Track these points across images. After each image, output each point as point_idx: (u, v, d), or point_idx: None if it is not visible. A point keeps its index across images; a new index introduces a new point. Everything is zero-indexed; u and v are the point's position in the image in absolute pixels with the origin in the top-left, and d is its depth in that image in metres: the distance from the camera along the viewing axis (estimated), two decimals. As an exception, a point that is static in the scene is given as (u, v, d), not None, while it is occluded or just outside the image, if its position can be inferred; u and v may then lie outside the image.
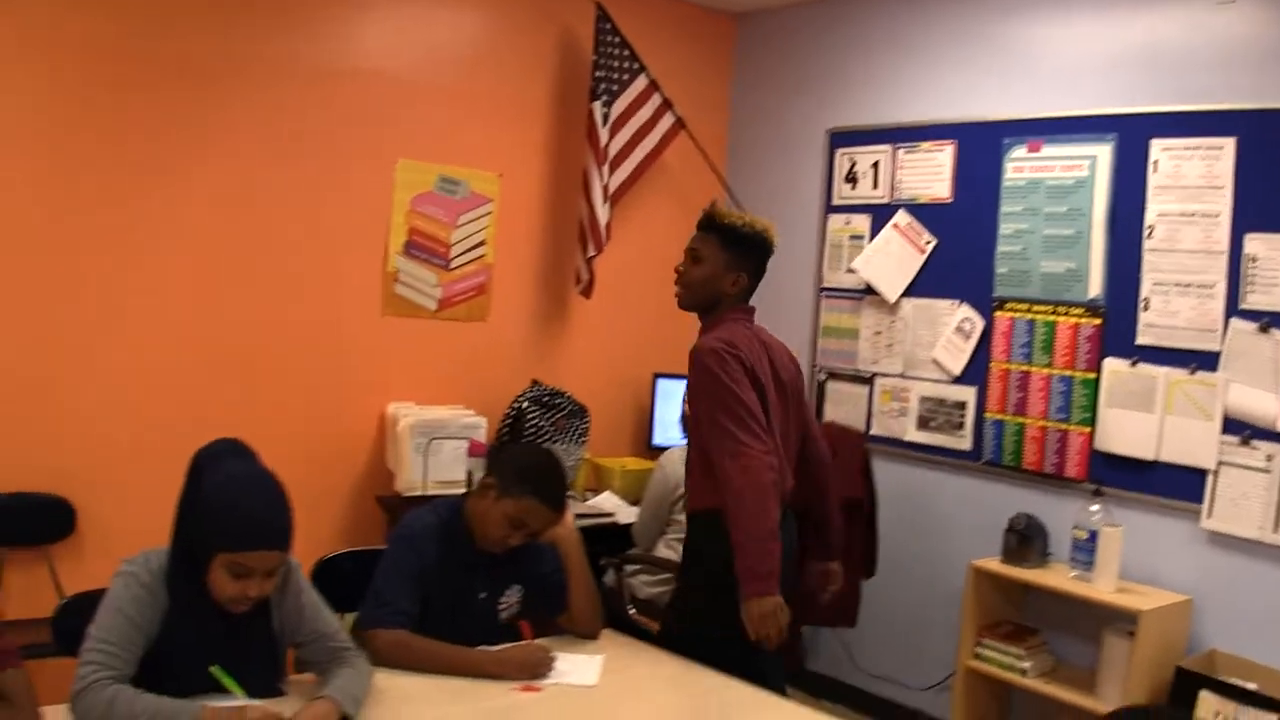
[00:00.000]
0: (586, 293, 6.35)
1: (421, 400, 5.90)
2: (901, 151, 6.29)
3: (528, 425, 5.84)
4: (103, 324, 5.11)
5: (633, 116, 6.46)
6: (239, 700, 2.90)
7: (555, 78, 6.46)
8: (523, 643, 3.61)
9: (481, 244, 6.14)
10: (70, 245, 5.00)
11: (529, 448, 3.95)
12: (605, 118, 6.27)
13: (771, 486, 3.76)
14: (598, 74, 6.28)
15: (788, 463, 4.15)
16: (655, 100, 6.52)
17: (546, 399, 5.99)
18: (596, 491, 6.26)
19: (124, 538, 4.86)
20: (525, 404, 5.89)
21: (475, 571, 3.75)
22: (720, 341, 3.96)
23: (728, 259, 4.14)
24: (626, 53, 6.37)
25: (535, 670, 3.46)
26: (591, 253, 6.24)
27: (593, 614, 3.90)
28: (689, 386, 4.05)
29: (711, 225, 4.17)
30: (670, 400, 6.58)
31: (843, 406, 6.47)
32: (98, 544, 5.08)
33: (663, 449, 6.21)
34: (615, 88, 6.34)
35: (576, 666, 3.57)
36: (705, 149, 6.79)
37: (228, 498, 2.93)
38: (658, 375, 6.70)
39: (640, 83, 6.45)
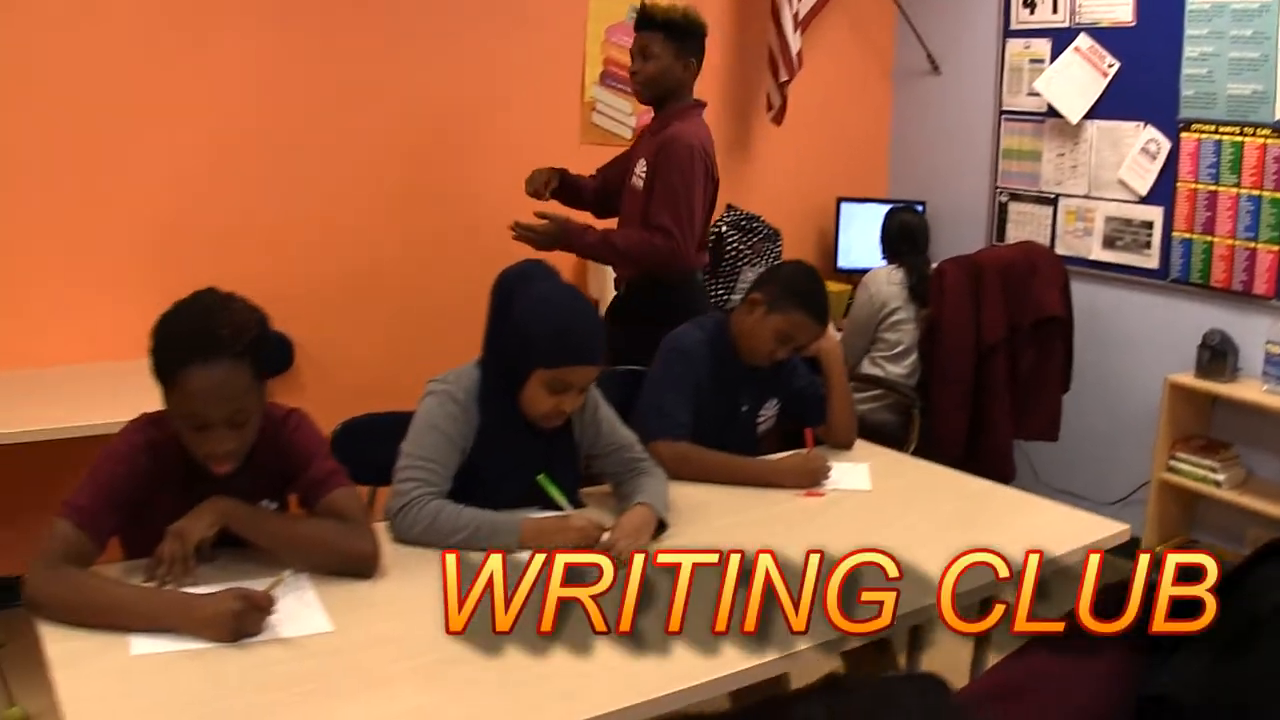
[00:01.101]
0: (778, 119, 6.41)
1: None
2: (1082, -26, 6.22)
3: (727, 248, 5.92)
4: (318, 158, 5.32)
5: (816, -57, 6.45)
6: (557, 510, 3.03)
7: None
8: (802, 451, 3.70)
9: (674, 71, 6.18)
10: (296, 94, 5.20)
11: (795, 266, 3.98)
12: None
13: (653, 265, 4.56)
14: (783, -99, 6.25)
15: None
16: (837, -74, 6.50)
17: (744, 223, 6.06)
18: None
19: (338, 371, 5.19)
20: (724, 228, 5.97)
21: (739, 385, 3.86)
22: (697, 140, 4.53)
23: (676, 49, 4.57)
24: (811, -122, 6.35)
25: (815, 478, 3.56)
26: (784, 78, 6.27)
27: (850, 425, 3.98)
28: (654, 164, 4.55)
29: (654, 22, 4.57)
30: (856, 223, 6.64)
31: (1025, 227, 6.51)
32: (315, 378, 5.31)
33: (848, 271, 6.31)
34: (797, -86, 6.33)
35: (846, 474, 3.67)
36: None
37: (547, 316, 3.02)
38: (841, 199, 6.75)
39: (823, -91, 6.44)
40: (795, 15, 6.24)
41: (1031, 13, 6.47)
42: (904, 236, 5.74)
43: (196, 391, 2.48)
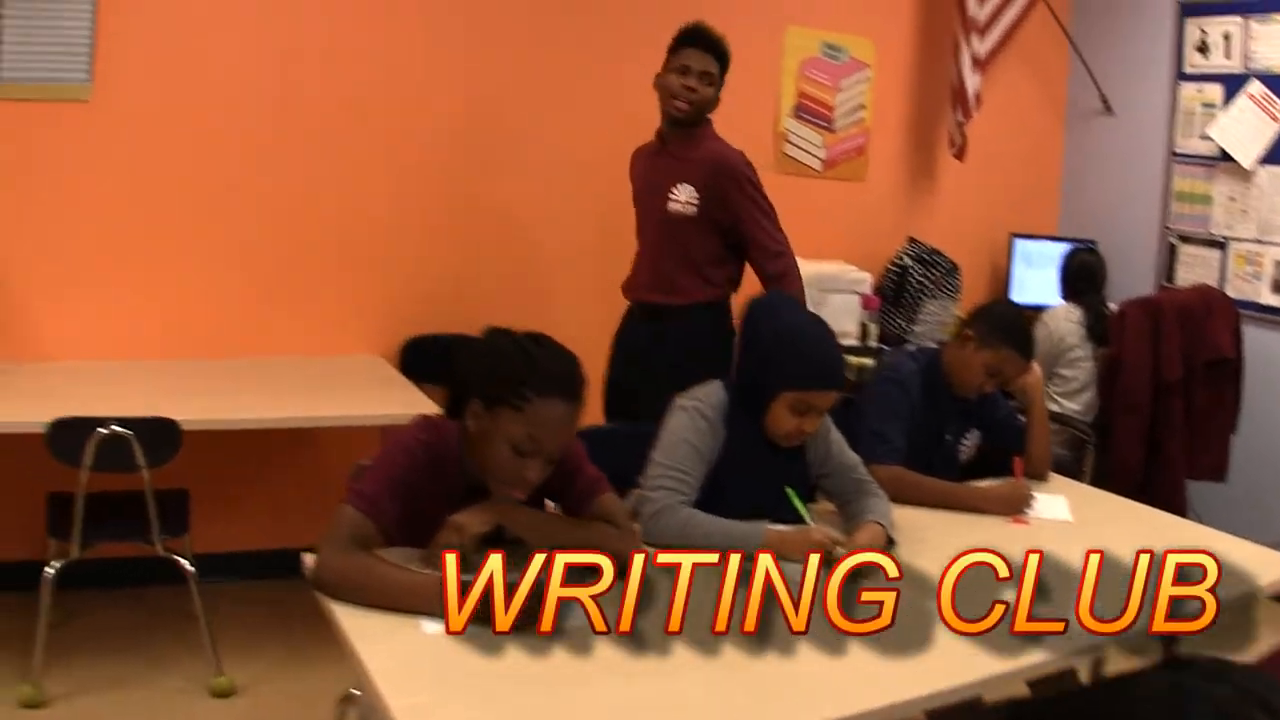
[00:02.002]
0: (960, 155, 6.60)
1: (806, 255, 6.17)
2: (1254, 22, 6.32)
3: (910, 281, 6.12)
4: (513, 173, 5.67)
5: (996, -15, 6.63)
6: (794, 523, 3.19)
7: (922, -54, 6.66)
8: (1009, 479, 3.86)
9: (861, 107, 6.43)
10: (485, 123, 5.58)
11: (1004, 303, 4.21)
12: (970, -12, 6.46)
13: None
14: (966, -57, 6.45)
15: None
16: (1019, -32, 6.67)
17: (925, 257, 6.26)
18: None
19: None
20: (908, 261, 6.17)
21: (945, 415, 4.05)
22: (742, 155, 4.70)
23: (721, 79, 4.69)
24: (992, -78, 6.53)
25: (1020, 505, 3.72)
26: (961, 118, 6.45)
27: (1047, 458, 4.15)
28: (714, 188, 4.62)
29: (718, 50, 4.65)
30: (1029, 259, 6.82)
31: (1195, 269, 6.62)
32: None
33: (1021, 307, 6.46)
34: (980, -43, 6.51)
35: (1047, 504, 3.81)
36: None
37: (795, 342, 3.23)
38: (1015, 235, 6.91)
39: (1004, -48, 6.61)
40: (974, 56, 6.41)
41: (1205, 57, 6.58)
42: (1082, 275, 5.92)
43: (548, 423, 2.67)
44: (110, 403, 4.14)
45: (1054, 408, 5.63)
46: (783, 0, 6.15)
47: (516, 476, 2.73)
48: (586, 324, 4.55)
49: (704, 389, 3.34)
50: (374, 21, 5.39)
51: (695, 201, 4.61)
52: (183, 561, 4.29)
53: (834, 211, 6.42)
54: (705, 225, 4.63)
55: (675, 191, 4.63)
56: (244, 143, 5.19)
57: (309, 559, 2.69)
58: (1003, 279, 6.97)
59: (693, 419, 3.24)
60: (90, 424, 3.96)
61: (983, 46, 6.50)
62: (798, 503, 3.21)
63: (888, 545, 3.17)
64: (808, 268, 5.73)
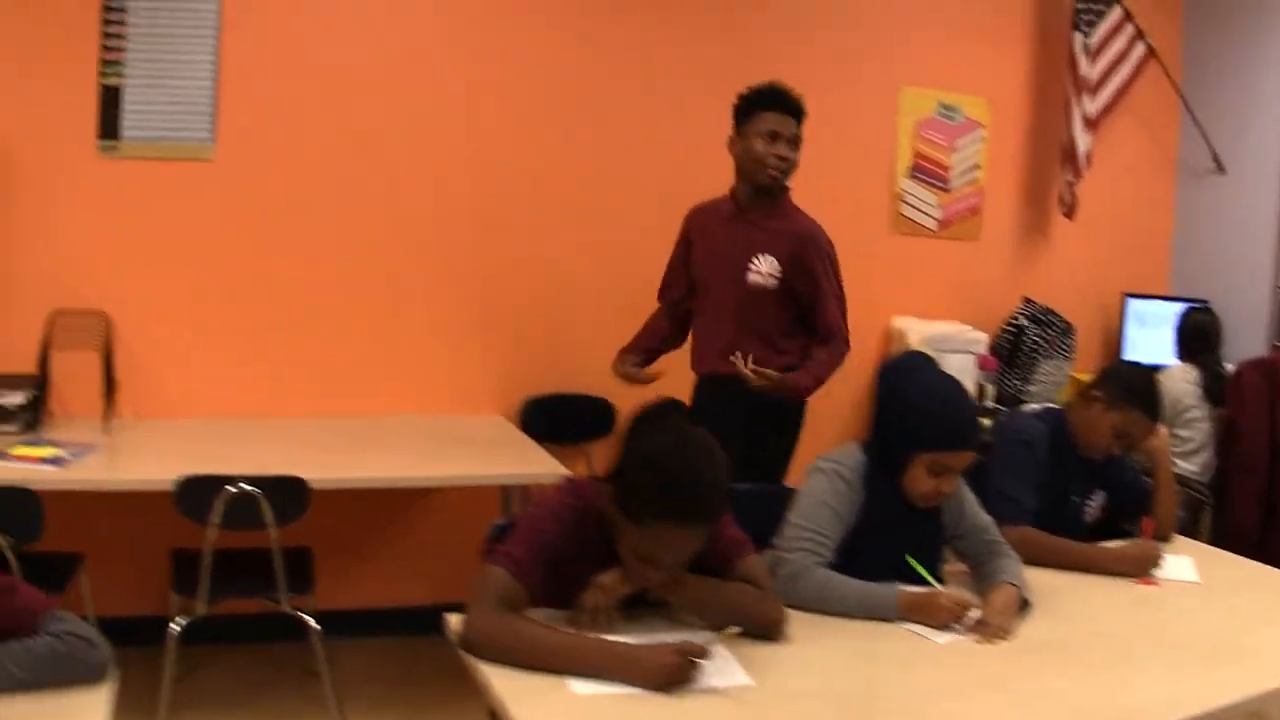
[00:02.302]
0: (1070, 214, 6.62)
1: (924, 315, 6.27)
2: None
3: (1026, 341, 6.16)
4: (598, 244, 5.76)
5: (1107, 46, 6.66)
6: (929, 587, 3.22)
7: (1032, 5, 6.70)
8: (1137, 540, 3.89)
9: (976, 166, 6.49)
10: (614, 179, 5.76)
11: (1132, 366, 4.21)
12: (1085, 48, 6.50)
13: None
14: (1079, 5, 6.50)
15: None
16: (1128, 30, 6.71)
17: (1041, 317, 6.30)
18: None
19: None
20: (1024, 321, 6.21)
21: (1071, 476, 4.07)
22: (824, 232, 4.63)
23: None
24: (1103, -16, 6.58)
25: (1149, 566, 3.72)
26: (1070, 178, 6.49)
27: (1172, 519, 4.17)
28: (799, 261, 4.56)
29: (801, 112, 4.60)
30: (1142, 319, 6.84)
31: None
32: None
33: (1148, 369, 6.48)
34: (1093, 18, 6.55)
35: (1174, 565, 3.81)
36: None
37: (933, 404, 3.26)
38: (1127, 295, 6.92)
39: (1115, 13, 6.64)
40: (1085, 115, 6.46)
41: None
42: (1198, 336, 5.95)
43: (666, 545, 2.69)
44: (234, 461, 4.20)
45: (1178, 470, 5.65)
46: (898, 61, 6.23)
47: (639, 575, 2.77)
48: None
49: (841, 450, 3.38)
50: (501, 86, 5.54)
51: (777, 274, 4.55)
52: (307, 618, 4.31)
53: (948, 271, 6.47)
54: (784, 298, 4.58)
55: (756, 262, 4.56)
56: (365, 202, 5.32)
57: (453, 619, 2.75)
58: (1115, 339, 6.97)
59: (832, 481, 3.29)
60: (219, 482, 3.99)
61: (1094, 105, 6.54)
62: (919, 569, 3.25)
63: (1022, 607, 3.21)
64: (924, 328, 5.84)
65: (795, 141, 4.54)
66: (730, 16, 5.83)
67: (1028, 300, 6.40)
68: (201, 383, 5.15)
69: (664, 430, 2.78)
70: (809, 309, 4.58)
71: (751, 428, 4.49)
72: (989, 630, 3.01)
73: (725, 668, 2.68)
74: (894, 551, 3.29)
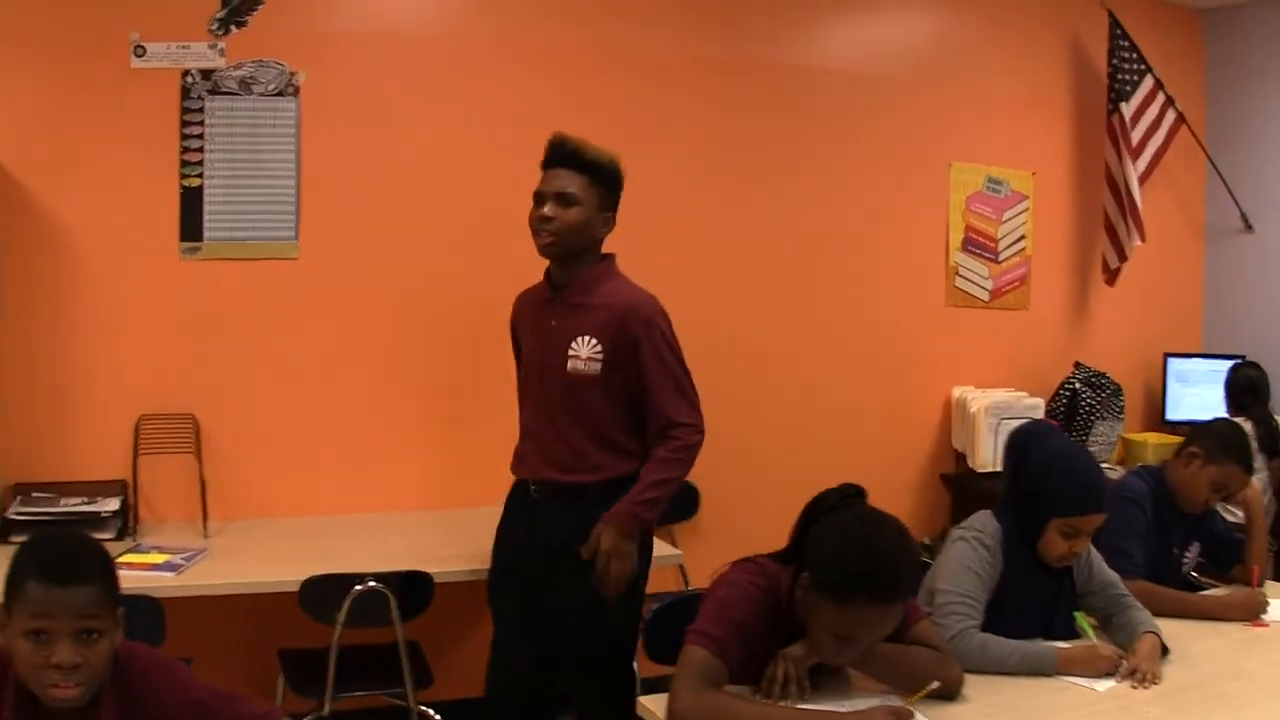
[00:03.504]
0: (1111, 280, 6.85)
1: (980, 384, 6.45)
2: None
3: (1081, 404, 6.36)
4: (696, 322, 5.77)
5: (1142, 115, 6.88)
6: (1084, 641, 3.42)
7: (1069, 80, 6.95)
8: (1241, 587, 4.10)
9: (1022, 238, 6.70)
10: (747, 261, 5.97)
11: (1225, 422, 4.41)
12: (1123, 118, 6.72)
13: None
14: (1118, 76, 6.75)
15: None
16: (1160, 99, 6.93)
17: (1093, 380, 6.50)
18: (1126, 466, 6.59)
19: (737, 517, 5.61)
20: (1077, 385, 6.41)
21: (1172, 529, 4.26)
22: (656, 302, 3.90)
23: (600, 199, 3.86)
24: (1135, 55, 6.81)
25: (1258, 610, 3.89)
26: (1136, 242, 6.68)
27: (1266, 565, 4.36)
28: (622, 341, 3.82)
29: (582, 163, 3.83)
30: (1182, 377, 7.06)
31: None
32: (715, 522, 5.78)
33: (1176, 424, 6.68)
34: (1129, 89, 6.79)
35: (1276, 607, 3.95)
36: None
37: (1065, 470, 3.46)
38: (1167, 354, 7.13)
39: (1148, 83, 6.88)
40: (1128, 183, 6.69)
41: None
42: (1247, 389, 6.17)
43: (866, 624, 2.78)
44: (339, 557, 4.27)
45: (1230, 518, 5.79)
46: (947, 137, 6.45)
47: (832, 653, 2.85)
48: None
49: (977, 519, 3.57)
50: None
51: (598, 356, 3.84)
52: (430, 711, 4.38)
53: (1001, 340, 6.67)
54: (612, 386, 3.87)
55: (577, 347, 3.85)
56: (453, 296, 5.37)
57: (648, 701, 2.92)
58: (1158, 398, 7.18)
59: (974, 548, 3.46)
60: (347, 580, 4.00)
61: (1137, 168, 6.74)
62: (1085, 624, 3.49)
63: (1164, 654, 3.38)
64: (984, 396, 6.02)
65: (560, 196, 3.80)
66: (786, 98, 6.05)
67: (1078, 364, 6.60)
68: (289, 481, 5.15)
69: (853, 512, 2.91)
70: (641, 396, 3.86)
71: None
72: (1141, 676, 3.17)
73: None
74: (1031, 611, 3.49)
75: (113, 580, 2.44)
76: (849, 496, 2.97)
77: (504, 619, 4.11)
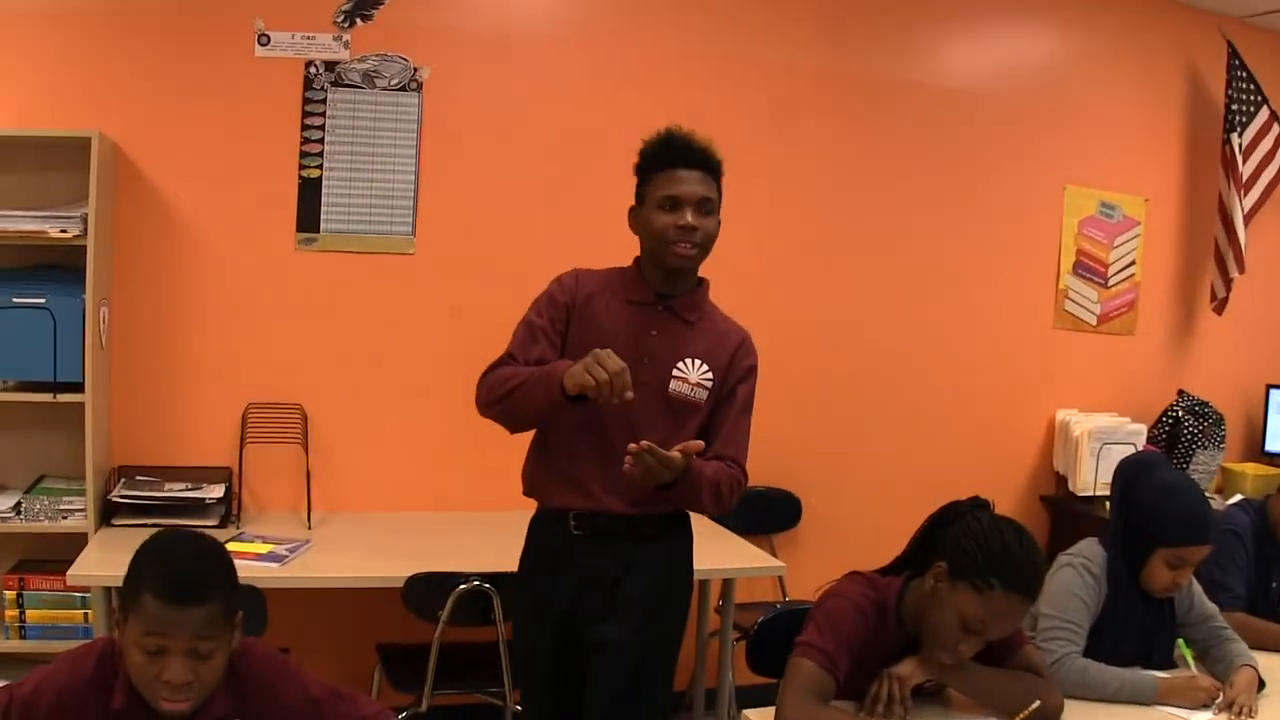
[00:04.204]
0: (1219, 309, 6.85)
1: (1083, 408, 6.50)
2: None
3: (1184, 432, 6.39)
4: (805, 336, 5.96)
5: (1256, 148, 6.88)
6: (1183, 671, 3.49)
7: (1184, 107, 6.95)
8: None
9: (1132, 264, 6.74)
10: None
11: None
12: (1239, 147, 6.73)
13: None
14: (1233, 106, 6.75)
15: None
16: (1275, 131, 6.91)
17: (1197, 409, 6.54)
18: (1224, 495, 6.65)
19: (837, 529, 5.73)
20: (1181, 413, 6.44)
21: (1272, 563, 4.32)
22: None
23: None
24: (1252, 86, 6.80)
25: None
26: (1234, 274, 6.71)
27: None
28: (731, 373, 3.44)
29: (712, 166, 3.37)
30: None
31: None
32: (816, 534, 5.88)
33: (1275, 455, 6.68)
34: (1245, 119, 6.79)
35: None
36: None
37: (1171, 501, 3.52)
38: (1270, 386, 7.13)
39: (1263, 114, 6.87)
40: (1244, 212, 6.72)
41: None
42: (1353, 426, 6.14)
43: (1001, 614, 2.84)
44: (443, 554, 4.31)
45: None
46: (1062, 159, 6.49)
47: (953, 647, 2.89)
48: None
49: (1085, 546, 3.63)
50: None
51: (706, 383, 3.39)
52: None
53: (1106, 365, 6.70)
54: (701, 418, 3.42)
55: (685, 369, 3.36)
56: None
57: (752, 714, 2.99)
58: (1259, 429, 7.18)
59: (1080, 575, 3.53)
60: (452, 579, 4.01)
61: (1246, 202, 6.74)
62: (1188, 654, 3.55)
63: (1260, 688, 3.44)
64: (1087, 421, 6.06)
65: (702, 206, 3.31)
66: (909, 115, 6.12)
67: (1182, 393, 6.63)
68: (391, 475, 5.21)
69: (989, 515, 3.01)
70: (710, 430, 3.40)
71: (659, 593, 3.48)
72: (1238, 709, 3.24)
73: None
74: (1132, 640, 3.56)
75: (233, 592, 2.44)
76: (979, 508, 3.05)
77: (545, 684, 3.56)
